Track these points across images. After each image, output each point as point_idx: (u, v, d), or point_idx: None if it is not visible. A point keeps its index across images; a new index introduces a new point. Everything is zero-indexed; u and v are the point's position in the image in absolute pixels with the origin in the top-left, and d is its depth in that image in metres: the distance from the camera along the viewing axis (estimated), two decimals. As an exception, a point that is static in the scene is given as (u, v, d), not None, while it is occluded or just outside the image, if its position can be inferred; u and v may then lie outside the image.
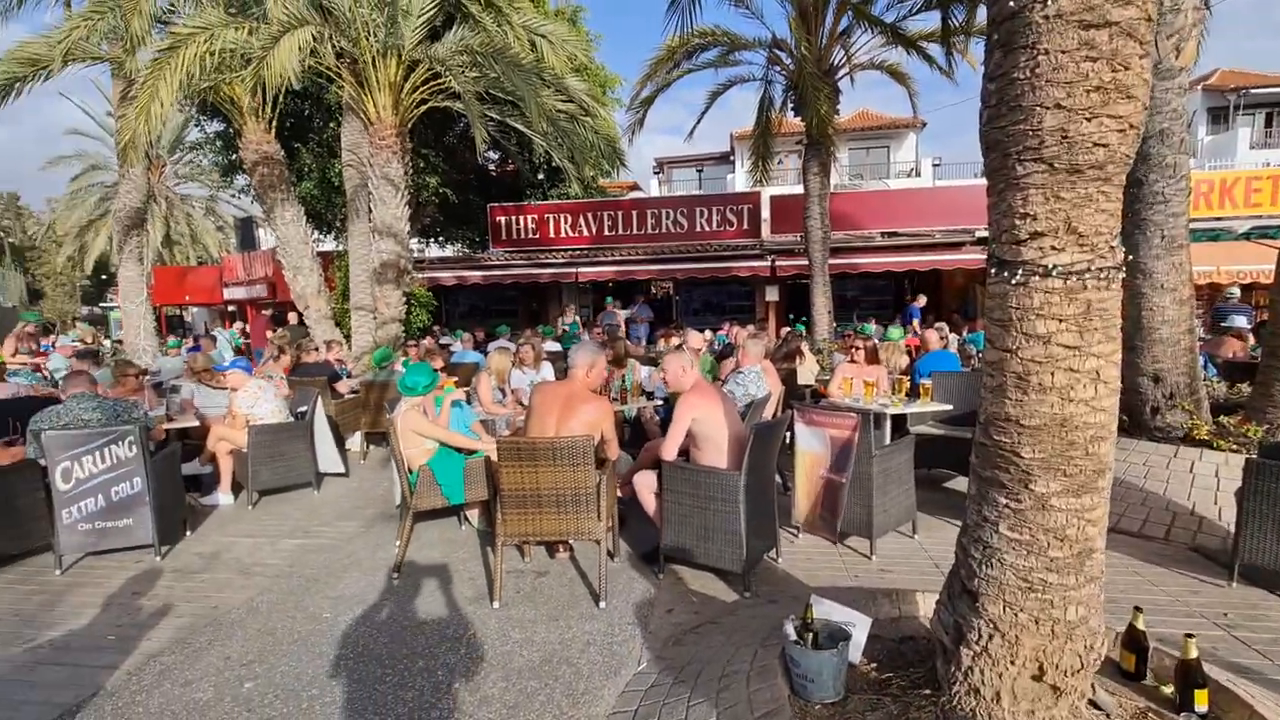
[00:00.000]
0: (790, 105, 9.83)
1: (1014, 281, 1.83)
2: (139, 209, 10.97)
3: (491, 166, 16.94)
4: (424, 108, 9.44)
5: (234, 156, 12.61)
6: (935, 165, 24.57)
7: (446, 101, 9.54)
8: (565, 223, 14.86)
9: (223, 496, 5.29)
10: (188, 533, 4.60)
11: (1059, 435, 1.82)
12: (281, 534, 4.58)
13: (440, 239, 17.80)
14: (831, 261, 10.48)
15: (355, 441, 7.04)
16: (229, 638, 3.12)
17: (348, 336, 10.66)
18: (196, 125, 14.50)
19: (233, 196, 20.56)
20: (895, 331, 6.75)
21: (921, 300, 11.73)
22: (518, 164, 14.22)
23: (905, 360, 6.61)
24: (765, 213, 14.09)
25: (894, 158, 26.21)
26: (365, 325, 9.98)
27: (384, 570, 3.87)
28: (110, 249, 12.97)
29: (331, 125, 12.51)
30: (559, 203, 15.39)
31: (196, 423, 5.37)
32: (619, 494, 4.06)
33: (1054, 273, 1.77)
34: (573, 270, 13.80)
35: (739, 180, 26.33)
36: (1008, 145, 1.81)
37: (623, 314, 13.20)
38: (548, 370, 6.17)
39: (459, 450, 4.17)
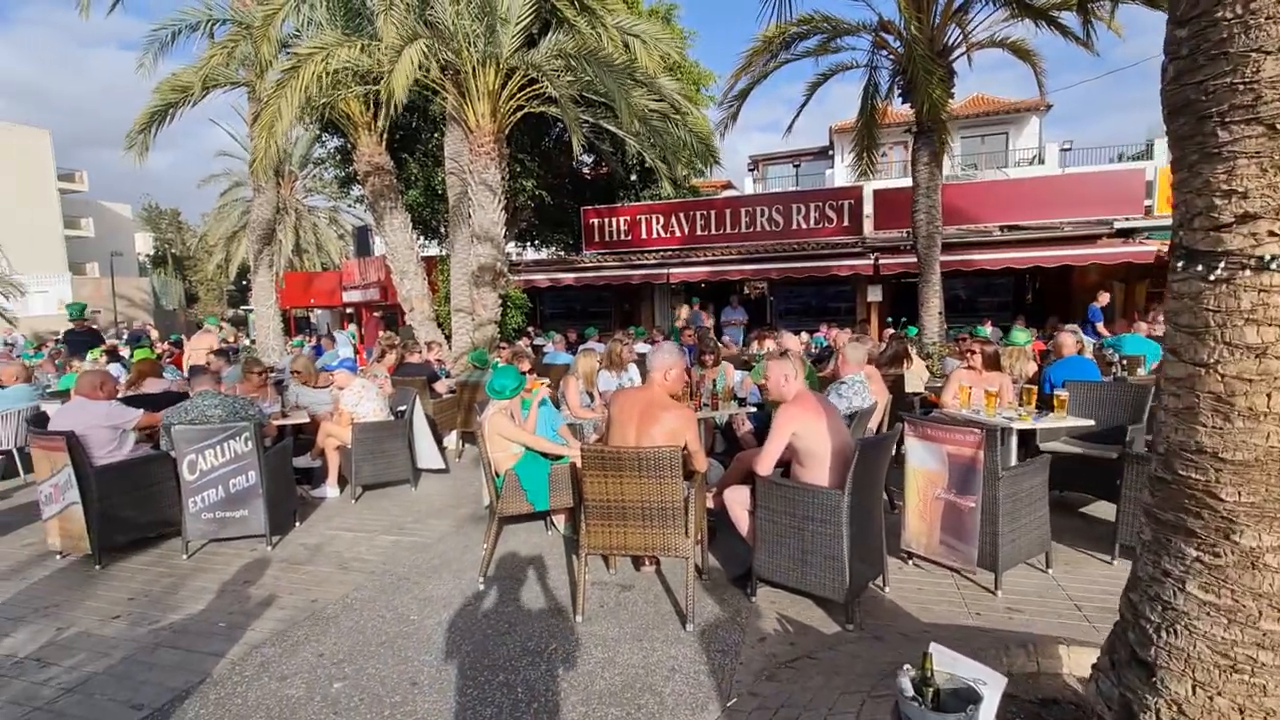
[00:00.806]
0: (898, 92, 9.16)
1: (1213, 277, 1.45)
2: (270, 221, 11.97)
3: (585, 169, 17.17)
4: (520, 114, 9.63)
5: (350, 169, 13.51)
6: (1064, 150, 22.31)
7: (542, 107, 9.69)
8: (657, 223, 14.76)
9: (330, 490, 5.56)
10: (297, 524, 4.85)
11: (1276, 475, 1.41)
12: (379, 529, 4.72)
13: (535, 242, 18.26)
14: (943, 258, 9.67)
15: (451, 440, 7.25)
16: (324, 634, 3.19)
17: (449, 337, 11.11)
18: (320, 142, 15.69)
19: (349, 206, 22.15)
20: (1021, 335, 6.05)
21: (1104, 299, 10.01)
22: (611, 166, 14.30)
23: (1033, 367, 5.91)
24: (868, 208, 13.31)
25: (1013, 144, 24.11)
26: (464, 326, 10.35)
27: (471, 573, 3.86)
28: (249, 257, 14.39)
29: (436, 136, 13.11)
30: (651, 203, 15.32)
31: (308, 419, 5.68)
32: (709, 505, 3.84)
33: (1273, 265, 1.37)
34: (664, 271, 13.67)
35: (838, 175, 25.21)
36: (1205, 105, 1.43)
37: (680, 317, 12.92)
38: (636, 373, 6.03)
39: (545, 455, 4.10)
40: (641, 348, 10.09)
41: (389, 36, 7.56)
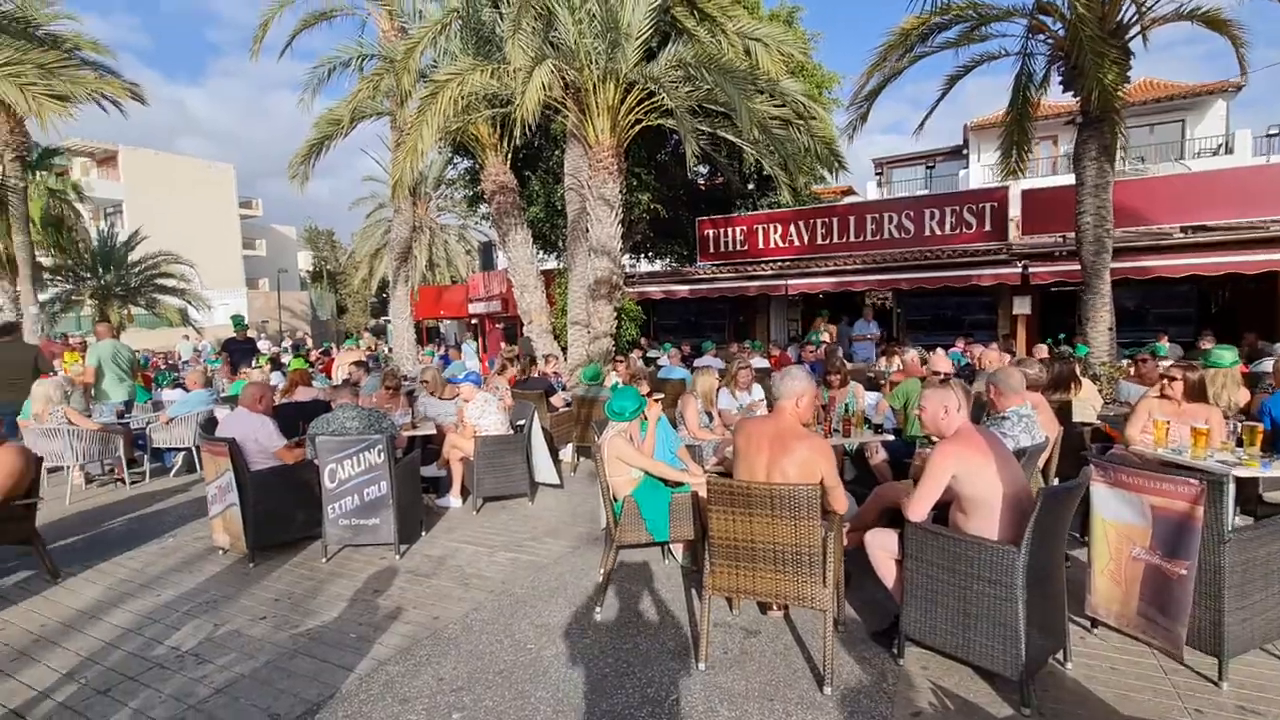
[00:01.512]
0: (1057, 79, 8.15)
1: None
2: (406, 239, 12.87)
3: (700, 180, 17.01)
4: (639, 127, 9.63)
5: (478, 188, 14.23)
6: (1271, 136, 19.00)
7: (660, 119, 9.63)
8: (775, 233, 14.26)
9: (454, 500, 5.72)
10: (423, 533, 4.99)
11: None
12: (498, 545, 4.74)
13: (650, 254, 18.34)
14: (1113, 265, 8.44)
15: (567, 453, 7.28)
16: (444, 655, 3.17)
17: (565, 350, 11.32)
18: (451, 164, 16.73)
19: (476, 224, 23.47)
20: (1227, 355, 5.03)
21: None
22: (726, 175, 14.02)
23: (1245, 395, 4.90)
24: (1014, 210, 12.02)
25: (1191, 133, 21.02)
26: (580, 339, 10.48)
27: (588, 599, 3.74)
28: (389, 273, 15.75)
29: (557, 153, 13.50)
30: (768, 212, 14.85)
31: (434, 431, 5.88)
32: (844, 543, 3.45)
33: None
34: (781, 282, 13.15)
35: (974, 176, 23.27)
36: None
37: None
38: (760, 392, 5.68)
39: (665, 482, 3.90)
40: (758, 362, 9.71)
41: (517, 59, 7.81)
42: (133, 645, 3.39)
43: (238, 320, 10.42)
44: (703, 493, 3.60)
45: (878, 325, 12.67)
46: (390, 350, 16.15)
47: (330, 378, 10.34)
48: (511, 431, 5.87)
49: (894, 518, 3.20)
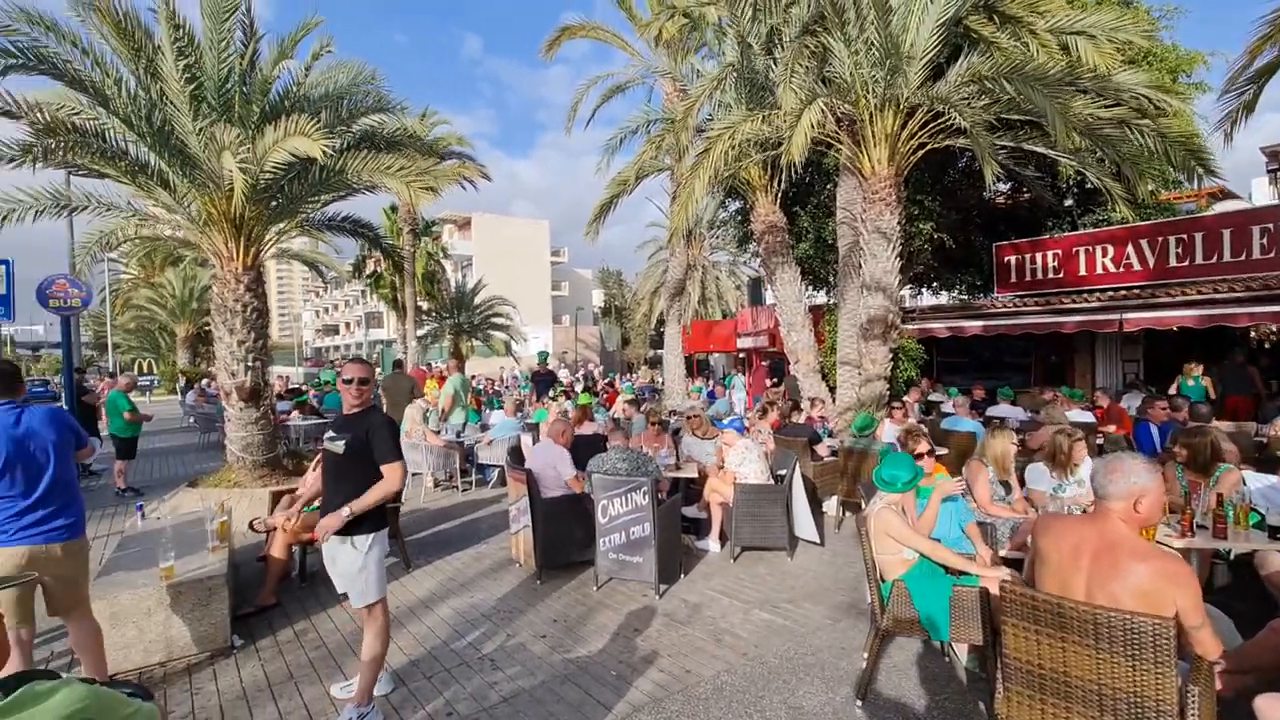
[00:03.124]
0: None
1: None
2: (681, 279, 13.73)
3: (1000, 197, 14.86)
4: (921, 153, 8.82)
5: (747, 228, 14.54)
6: None
7: (948, 140, 8.68)
8: (1104, 256, 11.66)
9: (713, 544, 5.76)
10: (682, 575, 5.12)
11: None
12: (753, 602, 4.61)
13: (933, 286, 16.55)
14: None
15: (831, 506, 6.84)
16: (692, 716, 3.14)
17: (832, 390, 10.77)
18: (723, 206, 17.46)
19: (745, 262, 24.01)
20: None
21: None
22: (1035, 192, 11.97)
23: None
24: None
25: None
26: (850, 380, 9.87)
27: (846, 687, 3.38)
28: (665, 309, 17.12)
29: (829, 187, 13.12)
30: (1094, 231, 12.24)
31: (696, 474, 6.04)
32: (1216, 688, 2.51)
33: None
34: (1114, 316, 10.62)
35: None
36: None
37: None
38: (1088, 469, 4.51)
39: (947, 570, 3.35)
40: (1079, 415, 7.96)
41: (788, 103, 7.81)
42: (449, 639, 4.08)
43: (542, 356, 12.24)
44: (994, 590, 3.00)
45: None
46: (662, 383, 17.33)
47: (611, 408, 11.45)
48: (772, 481, 5.73)
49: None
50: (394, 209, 23.60)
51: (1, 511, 3.01)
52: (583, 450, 5.94)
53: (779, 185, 10.87)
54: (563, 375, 25.51)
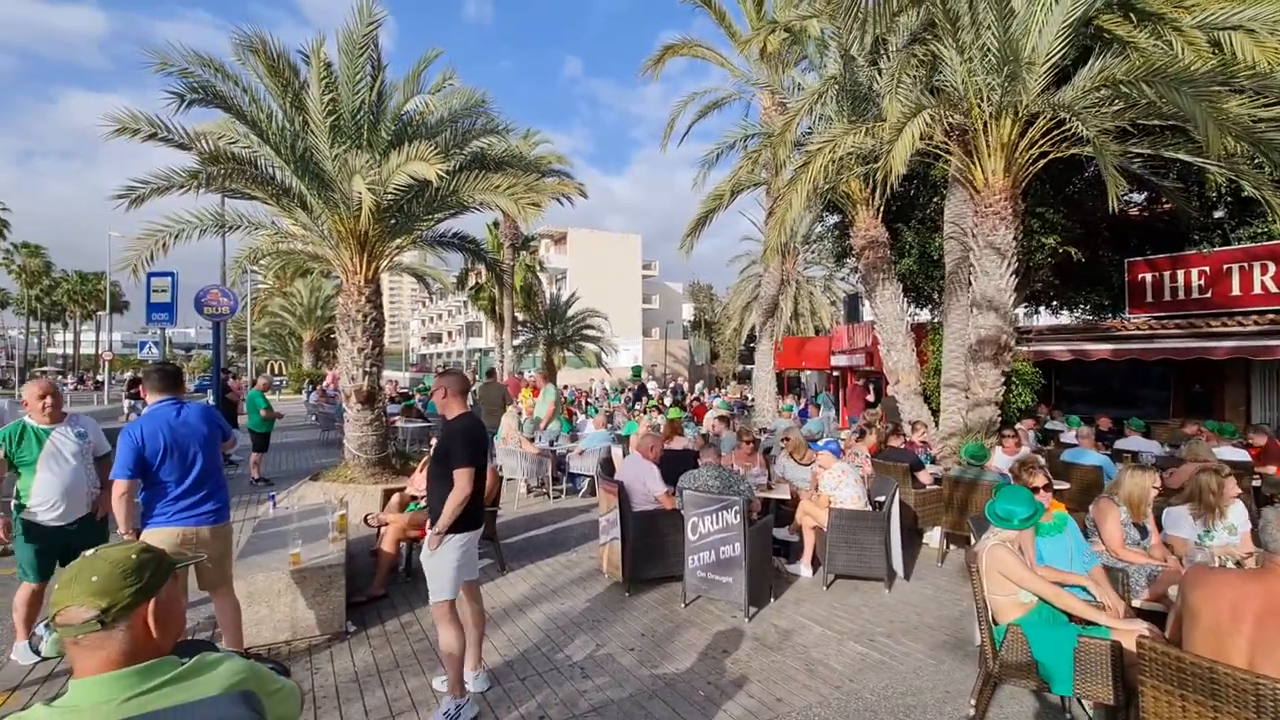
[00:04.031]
0: None
1: None
2: (774, 296, 13.50)
3: (1134, 209, 13.54)
4: (1042, 163, 8.22)
5: (846, 243, 14.10)
6: None
7: (1072, 149, 8.04)
8: (1263, 274, 10.33)
9: (804, 569, 5.59)
10: (772, 599, 4.99)
11: None
12: (848, 633, 4.42)
13: (1053, 305, 15.30)
14: None
15: (934, 537, 6.45)
16: (784, 748, 3.05)
17: (935, 413, 10.17)
18: (820, 220, 17.02)
19: (843, 277, 23.24)
20: None
21: None
22: (1176, 203, 10.83)
23: None
24: None
25: None
26: (956, 404, 9.28)
27: (952, 736, 3.16)
28: (756, 325, 16.89)
29: (935, 200, 12.48)
30: (1251, 247, 10.87)
31: (788, 496, 5.88)
32: None
33: None
34: (1275, 343, 9.39)
35: None
36: None
37: None
38: (1240, 514, 4.02)
39: (1070, 618, 3.07)
40: (1231, 453, 7.08)
41: (894, 114, 7.54)
42: (540, 644, 4.20)
43: (636, 370, 12.43)
44: (1128, 645, 2.73)
45: None
46: (752, 400, 17.05)
47: (700, 423, 11.40)
48: (870, 507, 5.49)
49: None
50: (496, 224, 24.83)
51: (159, 496, 3.42)
52: (671, 465, 5.96)
53: (881, 199, 10.47)
54: (651, 388, 25.76)
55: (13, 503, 3.84)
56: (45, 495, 3.80)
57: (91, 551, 1.24)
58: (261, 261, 13.16)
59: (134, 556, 1.24)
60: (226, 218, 8.34)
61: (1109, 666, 2.83)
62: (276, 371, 44.56)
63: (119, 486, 3.31)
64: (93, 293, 58.01)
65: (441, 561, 3.31)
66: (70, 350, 70.07)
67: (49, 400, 3.94)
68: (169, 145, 6.64)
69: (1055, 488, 6.41)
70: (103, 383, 30.95)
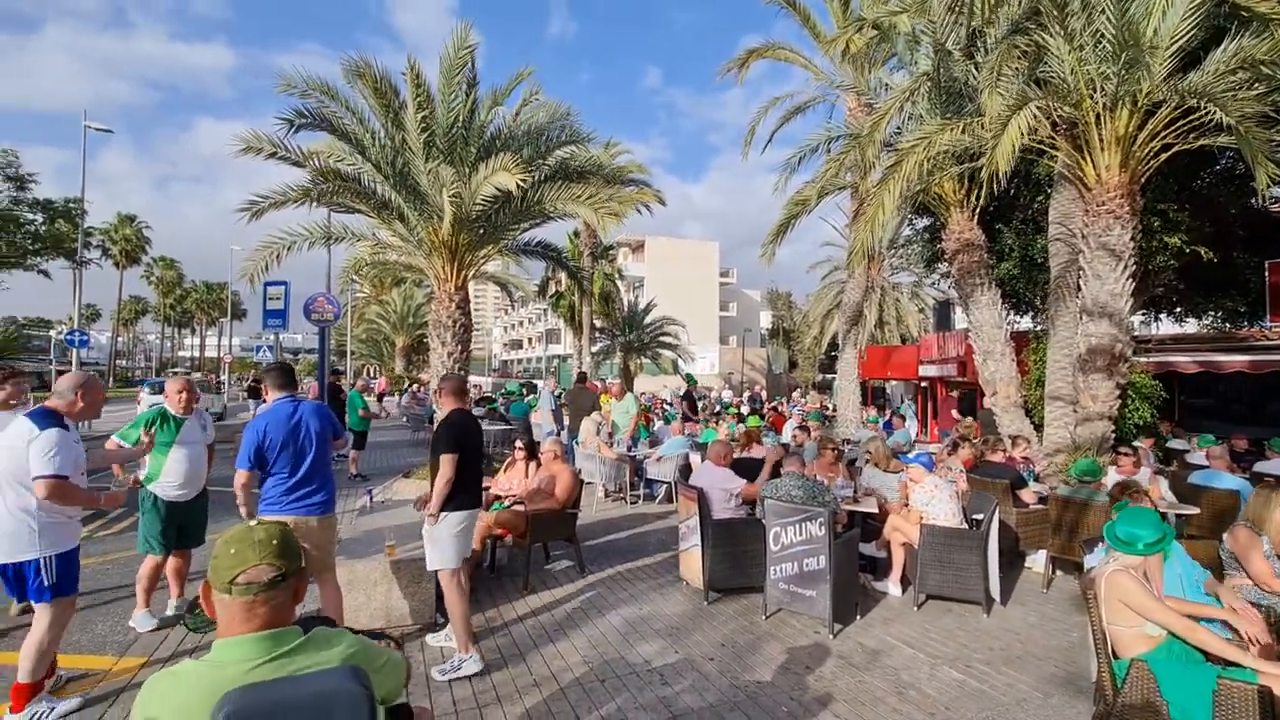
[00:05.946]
0: None
1: None
2: (859, 304, 13.04)
3: (1275, 205, 12.12)
4: (1166, 155, 7.51)
5: (938, 246, 13.43)
6: None
7: (1202, 140, 7.30)
8: None
9: (892, 587, 5.33)
10: (858, 617, 4.78)
11: None
12: (942, 657, 4.16)
13: (1177, 311, 13.94)
14: None
15: (1038, 561, 5.99)
16: (874, 774, 2.90)
17: (1038, 428, 9.47)
18: (909, 223, 16.30)
19: (933, 283, 22.14)
20: None
21: None
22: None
23: None
24: None
25: None
26: (1062, 418, 8.60)
27: (1064, 778, 2.90)
28: (838, 333, 16.37)
29: (1038, 200, 11.67)
30: None
31: (876, 509, 5.63)
32: None
33: None
34: None
35: None
36: None
37: None
38: None
39: (1207, 657, 2.75)
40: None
41: (993, 109, 7.12)
42: (620, 647, 4.21)
43: (690, 378, 12.46)
44: (1278, 690, 2.41)
45: None
46: (834, 410, 16.51)
47: (779, 433, 11.14)
48: (966, 525, 5.16)
49: None
50: (577, 234, 25.41)
51: (275, 486, 3.70)
52: (747, 474, 5.83)
53: (977, 199, 9.89)
54: (727, 396, 25.44)
55: (141, 476, 4.32)
56: (175, 475, 4.32)
57: (254, 522, 1.37)
58: (361, 271, 14.07)
59: (286, 532, 1.36)
60: (332, 230, 8.98)
61: (1256, 713, 2.51)
62: (371, 375, 47.43)
63: (240, 476, 3.63)
64: (216, 301, 64.29)
65: (440, 535, 3.78)
66: (196, 353, 77.63)
67: (186, 395, 4.41)
68: (286, 163, 7.25)
69: (1183, 513, 5.83)
70: (223, 383, 34.06)
